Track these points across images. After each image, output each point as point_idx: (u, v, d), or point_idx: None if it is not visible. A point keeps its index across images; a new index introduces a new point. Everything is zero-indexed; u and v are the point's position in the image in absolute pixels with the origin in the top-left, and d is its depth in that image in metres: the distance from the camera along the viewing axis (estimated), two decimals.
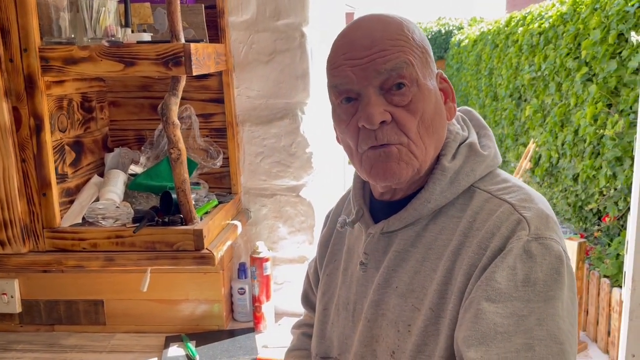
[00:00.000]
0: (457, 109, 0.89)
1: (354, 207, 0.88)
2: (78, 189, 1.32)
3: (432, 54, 0.80)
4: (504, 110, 6.38)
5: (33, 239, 1.21)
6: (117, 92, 1.48)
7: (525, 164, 5.46)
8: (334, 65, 0.77)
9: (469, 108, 0.90)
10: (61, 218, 1.23)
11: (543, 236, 0.71)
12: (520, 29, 5.70)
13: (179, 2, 1.12)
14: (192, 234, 1.18)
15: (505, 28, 6.37)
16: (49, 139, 1.18)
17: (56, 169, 1.22)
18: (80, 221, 1.24)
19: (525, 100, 5.69)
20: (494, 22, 7.44)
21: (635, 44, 3.15)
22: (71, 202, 1.29)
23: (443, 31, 12.35)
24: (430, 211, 0.79)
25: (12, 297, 1.50)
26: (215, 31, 1.40)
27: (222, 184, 1.49)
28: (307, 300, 1.09)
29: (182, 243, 1.19)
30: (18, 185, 1.17)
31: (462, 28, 11.77)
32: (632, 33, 3.15)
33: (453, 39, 11.24)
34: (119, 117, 1.49)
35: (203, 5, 1.32)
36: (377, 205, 0.86)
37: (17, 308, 1.51)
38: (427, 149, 0.77)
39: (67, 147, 1.28)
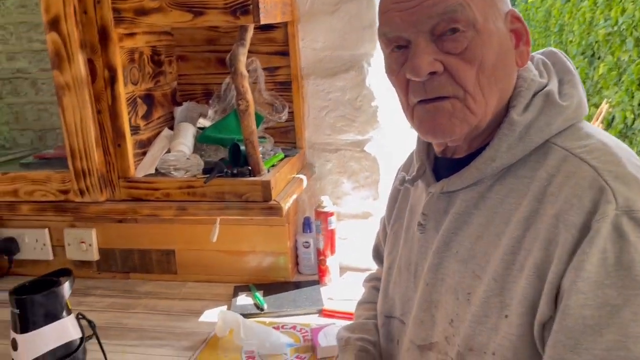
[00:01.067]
0: (540, 51, 0.82)
1: (416, 163, 0.84)
2: (150, 141, 1.36)
3: None
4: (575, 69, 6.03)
5: (110, 188, 1.25)
6: (185, 46, 1.49)
7: (597, 125, 5.18)
8: (382, 10, 0.71)
9: (554, 50, 0.80)
10: (135, 169, 1.27)
11: (635, 209, 0.61)
12: None
13: None
14: (260, 185, 1.19)
15: None
16: (123, 91, 1.21)
17: (129, 120, 1.25)
18: (153, 172, 1.28)
19: (598, 58, 5.35)
20: None
21: None
22: (144, 153, 1.33)
23: None
24: (496, 170, 0.71)
25: (90, 245, 1.58)
26: None
27: (287, 138, 1.49)
28: (378, 254, 1.08)
29: (250, 194, 1.20)
30: (95, 136, 1.21)
31: None
32: None
33: None
34: (187, 71, 1.50)
35: None
36: (440, 163, 0.81)
37: (95, 256, 1.59)
38: (488, 102, 0.69)
39: (139, 100, 1.30)
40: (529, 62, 0.76)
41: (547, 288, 0.63)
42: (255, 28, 1.36)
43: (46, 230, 1.61)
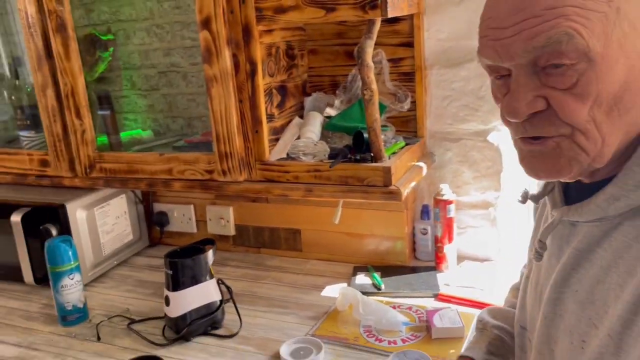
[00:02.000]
0: None
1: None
2: (282, 128, 1.49)
3: None
4: None
5: (247, 170, 1.40)
6: (316, 41, 1.60)
7: None
8: (480, 32, 0.63)
9: None
10: (269, 153, 1.41)
11: None
12: None
13: None
14: (381, 170, 1.26)
15: None
16: (261, 83, 1.34)
17: (265, 109, 1.38)
18: (284, 156, 1.41)
19: None
20: None
21: None
22: (277, 139, 1.46)
23: None
24: (620, 211, 0.61)
25: (227, 221, 1.77)
26: None
27: (408, 127, 1.54)
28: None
29: (371, 179, 1.28)
30: (236, 123, 1.36)
31: None
32: None
33: None
34: (317, 63, 1.61)
35: None
36: (576, 183, 0.68)
37: (232, 231, 1.77)
38: (606, 140, 0.59)
39: (274, 91, 1.43)
40: None
41: None
42: (383, 20, 1.43)
43: (192, 206, 1.82)
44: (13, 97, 1.73)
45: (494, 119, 1.46)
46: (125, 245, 1.77)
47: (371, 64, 1.24)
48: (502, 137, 1.47)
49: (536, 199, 0.76)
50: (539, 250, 0.72)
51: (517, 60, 0.58)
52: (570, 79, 0.57)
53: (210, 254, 1.31)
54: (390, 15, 1.19)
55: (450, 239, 1.51)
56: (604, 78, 0.57)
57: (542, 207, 0.82)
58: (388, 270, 1.55)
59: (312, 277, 1.58)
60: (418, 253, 1.61)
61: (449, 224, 1.50)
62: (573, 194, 0.69)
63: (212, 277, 1.32)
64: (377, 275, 1.50)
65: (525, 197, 0.78)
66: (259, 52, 1.32)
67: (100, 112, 1.65)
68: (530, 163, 0.63)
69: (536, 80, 0.58)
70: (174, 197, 1.85)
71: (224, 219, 1.77)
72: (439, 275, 1.50)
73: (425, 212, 1.58)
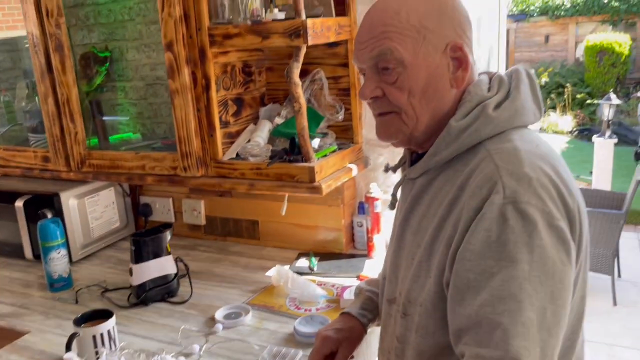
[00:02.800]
0: (509, 69, 0.98)
1: (402, 156, 1.09)
2: (238, 133, 1.77)
3: (443, 28, 0.88)
4: None
5: (204, 167, 1.68)
6: (273, 60, 1.88)
7: None
8: (354, 47, 0.96)
9: (520, 68, 0.94)
10: (223, 153, 1.69)
11: (518, 200, 0.77)
12: None
13: None
14: (307, 169, 1.53)
15: None
16: (215, 95, 1.63)
17: (220, 117, 1.66)
18: (235, 156, 1.69)
19: None
20: None
21: None
22: (232, 142, 1.74)
23: None
24: (438, 163, 0.91)
25: (199, 213, 2.05)
26: (343, 6, 1.69)
27: (347, 135, 1.80)
28: None
29: (300, 176, 1.54)
30: (194, 128, 1.65)
31: None
32: None
33: None
34: (273, 79, 1.89)
35: None
36: (415, 157, 1.01)
37: (202, 221, 2.06)
38: (419, 118, 0.91)
39: (229, 102, 1.72)
40: (484, 77, 0.96)
41: (450, 256, 0.84)
42: (324, 45, 1.71)
43: (170, 199, 2.12)
44: (24, 104, 2.07)
45: None
46: (113, 230, 2.08)
47: (298, 81, 1.51)
48: None
49: (394, 169, 1.08)
50: (392, 201, 1.07)
51: (367, 64, 0.92)
52: (393, 77, 0.90)
53: (167, 235, 1.59)
54: (311, 43, 1.46)
55: (378, 230, 1.76)
56: (414, 77, 0.89)
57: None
58: (327, 256, 1.81)
59: (263, 260, 1.85)
60: (356, 243, 1.87)
61: (376, 218, 1.75)
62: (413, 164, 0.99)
63: (168, 253, 1.60)
64: (314, 259, 1.76)
65: (387, 169, 1.11)
66: (212, 70, 1.60)
67: (93, 118, 1.96)
68: (379, 130, 0.97)
69: (377, 77, 0.91)
70: (156, 191, 2.15)
71: (196, 211, 2.05)
72: (367, 261, 1.75)
73: (361, 207, 1.84)
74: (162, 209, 2.14)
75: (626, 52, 10.50)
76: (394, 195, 1.07)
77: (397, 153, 1.75)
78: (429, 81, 0.90)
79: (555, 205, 0.80)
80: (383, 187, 1.80)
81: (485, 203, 0.80)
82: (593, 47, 10.59)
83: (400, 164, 1.09)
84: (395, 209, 1.12)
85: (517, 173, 0.81)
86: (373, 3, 0.96)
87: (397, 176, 1.75)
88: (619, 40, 10.49)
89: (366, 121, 1.78)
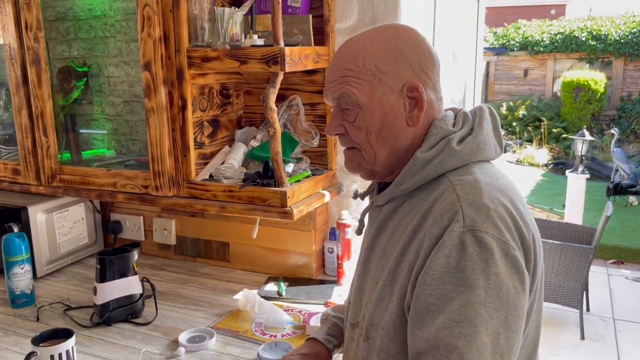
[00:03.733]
0: (475, 106, 1.06)
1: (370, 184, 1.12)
2: (213, 155, 1.77)
3: (400, 69, 0.93)
4: None
5: (176, 187, 1.68)
6: (251, 84, 1.90)
7: None
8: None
9: (484, 106, 1.01)
10: (196, 174, 1.69)
11: (477, 229, 0.82)
12: None
13: (280, 14, 1.46)
14: (279, 194, 1.53)
15: None
16: (190, 116, 1.63)
17: (195, 138, 1.67)
18: (208, 178, 1.68)
19: None
20: None
21: None
22: (206, 163, 1.74)
23: None
24: (403, 192, 0.96)
25: (170, 232, 2.04)
26: (321, 36, 1.72)
27: (322, 161, 1.82)
28: None
29: (271, 200, 1.55)
30: (168, 148, 1.64)
31: None
32: None
33: None
34: (251, 103, 1.91)
35: (311, 16, 1.65)
36: (382, 186, 1.06)
37: (173, 241, 2.04)
38: (377, 154, 0.96)
39: (205, 123, 1.72)
40: (450, 113, 1.00)
41: (411, 280, 0.88)
42: (301, 72, 1.73)
43: (141, 217, 2.10)
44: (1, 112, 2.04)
45: None
46: (81, 247, 2.05)
47: (274, 107, 1.52)
48: None
49: (362, 196, 1.13)
50: (359, 226, 1.10)
51: (331, 103, 1.00)
52: (352, 116, 0.96)
53: (134, 254, 1.57)
54: (288, 70, 1.48)
55: (348, 257, 1.77)
56: (370, 118, 0.95)
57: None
58: (297, 281, 1.80)
59: (232, 283, 1.84)
60: (326, 269, 1.87)
61: (347, 244, 1.76)
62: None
63: (135, 273, 1.58)
64: (283, 284, 1.76)
65: (356, 195, 1.16)
66: (189, 91, 1.61)
67: (67, 132, 1.94)
68: (346, 163, 1.04)
69: (341, 115, 0.98)
70: (127, 208, 2.13)
71: (167, 230, 2.04)
72: (336, 288, 1.75)
73: (332, 233, 1.84)
74: (132, 227, 2.12)
75: (601, 89, 10.81)
76: (361, 220, 1.10)
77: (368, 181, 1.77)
78: (384, 121, 0.95)
79: (512, 235, 0.84)
80: (354, 214, 1.81)
81: (446, 231, 0.84)
82: (570, 83, 10.88)
83: (369, 191, 1.12)
84: (362, 234, 1.15)
85: (476, 203, 0.85)
86: (345, 40, 1.00)
87: (367, 203, 1.77)
88: (595, 77, 10.81)
89: (341, 148, 1.80)
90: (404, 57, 0.94)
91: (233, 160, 1.71)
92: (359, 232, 1.12)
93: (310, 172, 1.70)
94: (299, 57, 1.54)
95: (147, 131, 1.65)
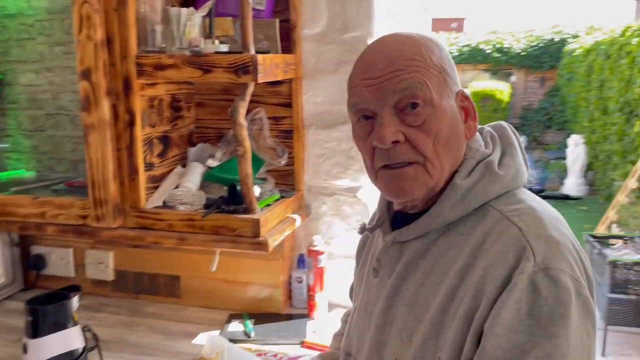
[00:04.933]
0: (492, 124, 0.91)
1: (377, 215, 0.94)
2: (163, 177, 1.53)
3: (454, 73, 0.82)
4: (612, 125, 5.99)
5: (122, 217, 1.42)
6: (203, 95, 1.68)
7: (631, 183, 5.10)
8: (352, 84, 0.81)
9: (503, 123, 0.90)
10: (146, 200, 1.44)
11: (550, 267, 0.70)
12: (636, 40, 5.33)
13: (250, 17, 1.27)
14: (250, 222, 1.33)
15: (620, 38, 5.98)
16: (140, 133, 1.39)
17: (144, 158, 1.42)
18: (161, 204, 1.45)
19: (636, 116, 5.31)
20: (610, 32, 6.99)
21: None
22: (156, 187, 1.50)
23: (557, 39, 11.74)
24: (440, 225, 0.81)
25: (107, 266, 1.75)
26: (288, 43, 1.55)
27: (287, 181, 1.64)
28: (352, 294, 1.16)
29: (242, 229, 1.34)
30: (113, 170, 1.39)
31: (578, 36, 11.12)
32: None
33: (566, 47, 10.67)
34: (204, 116, 1.69)
35: (277, 20, 1.48)
36: (398, 216, 0.90)
37: (111, 276, 1.76)
38: (444, 167, 0.79)
39: (155, 140, 1.48)
40: (477, 134, 0.87)
41: (472, 331, 0.73)
42: (264, 82, 1.54)
43: (71, 250, 1.79)
44: None
45: (363, 176, 1.58)
46: None
47: (244, 122, 1.32)
48: (368, 194, 1.60)
49: (371, 230, 0.94)
50: (376, 267, 0.89)
51: (385, 101, 0.77)
52: (421, 117, 0.77)
53: (74, 301, 1.30)
54: (260, 80, 1.29)
55: (321, 287, 1.59)
56: (441, 121, 0.78)
57: (362, 245, 1.04)
58: (263, 317, 1.60)
59: (187, 324, 1.60)
60: (294, 301, 1.68)
61: (320, 273, 1.59)
62: (397, 224, 0.88)
63: (75, 324, 1.31)
64: (249, 323, 1.55)
65: (363, 229, 0.95)
66: (138, 104, 1.37)
67: None
68: (392, 187, 0.80)
69: (397, 119, 0.77)
70: (52, 239, 1.81)
71: (103, 263, 1.75)
72: (309, 323, 1.57)
73: (301, 261, 1.66)
74: (59, 261, 1.81)
75: (506, 99, 11.44)
76: (379, 260, 0.91)
77: (343, 202, 1.61)
78: (452, 127, 0.80)
79: (580, 272, 0.74)
80: (326, 238, 1.64)
81: (514, 271, 0.71)
82: (478, 92, 11.42)
83: (378, 224, 0.94)
84: (365, 274, 0.98)
85: (545, 237, 0.73)
86: (377, 39, 0.83)
87: (340, 230, 1.61)
88: (500, 88, 11.42)
89: (309, 166, 1.63)
90: (453, 63, 0.83)
91: (190, 183, 1.48)
92: (376, 274, 0.91)
93: (279, 195, 1.52)
94: (270, 66, 1.35)
95: (86, 151, 1.39)
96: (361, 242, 1.08)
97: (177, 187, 1.49)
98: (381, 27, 1.55)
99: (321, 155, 1.61)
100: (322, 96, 1.58)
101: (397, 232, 0.86)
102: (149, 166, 1.45)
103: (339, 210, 1.63)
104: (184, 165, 1.59)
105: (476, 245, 0.76)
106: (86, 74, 1.34)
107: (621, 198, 5.16)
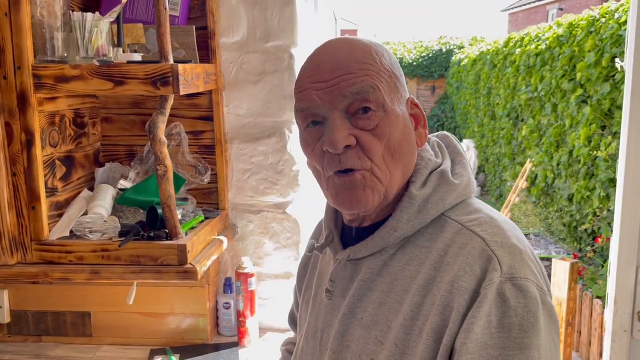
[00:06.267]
0: (435, 134, 0.88)
1: (325, 232, 0.87)
2: (68, 202, 1.36)
3: (403, 79, 0.79)
4: (501, 130, 6.43)
5: (21, 251, 1.23)
6: (110, 109, 1.52)
7: (521, 183, 5.50)
8: (300, 88, 0.76)
9: (447, 133, 0.88)
10: (49, 231, 1.26)
11: (516, 276, 0.68)
12: (518, 49, 5.77)
13: (168, 24, 1.16)
14: (175, 248, 1.21)
15: (504, 49, 6.45)
16: (40, 154, 1.21)
17: (46, 183, 1.25)
18: (67, 234, 1.27)
19: (522, 120, 5.74)
20: (493, 43, 7.52)
21: (619, 69, 3.20)
22: (60, 215, 1.32)
23: (444, 50, 12.48)
24: (397, 239, 0.76)
25: (0, 307, 1.52)
26: (206, 52, 1.44)
27: (210, 200, 1.52)
28: (292, 319, 1.09)
29: (166, 257, 1.21)
30: (8, 198, 1.20)
31: (463, 47, 11.89)
32: (617, 59, 3.21)
33: (454, 57, 11.36)
34: (111, 132, 1.52)
35: (194, 27, 1.37)
36: (347, 231, 0.84)
37: (6, 318, 1.53)
38: (392, 174, 0.75)
39: (57, 162, 1.31)
40: (426, 143, 0.83)
41: (442, 349, 0.69)
42: (180, 95, 1.42)
43: None
44: None
45: (292, 192, 1.51)
46: None
47: (164, 139, 1.20)
48: (299, 210, 1.53)
49: (320, 249, 0.86)
50: (329, 289, 0.82)
51: (335, 105, 0.73)
52: (373, 121, 0.73)
53: None
54: (182, 92, 1.18)
55: (252, 312, 1.50)
56: (392, 126, 0.74)
57: (304, 266, 0.97)
58: (188, 350, 1.47)
59: None
60: (221, 328, 1.56)
61: (250, 297, 1.49)
62: (348, 242, 0.82)
63: None
64: (174, 357, 1.41)
65: (311, 248, 0.88)
66: (37, 122, 1.20)
67: None
68: (343, 195, 0.75)
69: (348, 123, 0.73)
70: None
71: None
72: (240, 351, 1.46)
73: (227, 285, 1.55)
74: None
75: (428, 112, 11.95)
76: (333, 280, 0.83)
77: (271, 219, 1.53)
78: (404, 134, 0.76)
79: (542, 279, 0.72)
80: (254, 258, 1.55)
81: (482, 283, 0.68)
82: None
83: (328, 241, 0.86)
84: (311, 297, 0.90)
85: (507, 245, 0.71)
86: (325, 42, 0.76)
87: (269, 249, 1.50)
88: None
89: (233, 183, 1.53)
90: (401, 69, 0.79)
91: (100, 209, 1.32)
92: (329, 296, 0.83)
93: (203, 216, 1.40)
94: (191, 77, 1.24)
95: None
96: (302, 262, 1.00)
97: (85, 213, 1.32)
98: (303, 36, 1.49)
99: (246, 171, 1.52)
100: (245, 108, 1.49)
101: (352, 249, 0.79)
102: (51, 191, 1.28)
103: (267, 228, 1.54)
104: (91, 189, 1.42)
105: (437, 258, 0.73)
106: None
107: (513, 197, 5.54)
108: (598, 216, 3.84)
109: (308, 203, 1.55)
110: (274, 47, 1.46)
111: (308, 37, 1.55)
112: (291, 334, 1.18)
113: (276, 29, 1.45)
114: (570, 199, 4.41)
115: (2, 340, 1.55)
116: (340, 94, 0.72)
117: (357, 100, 0.72)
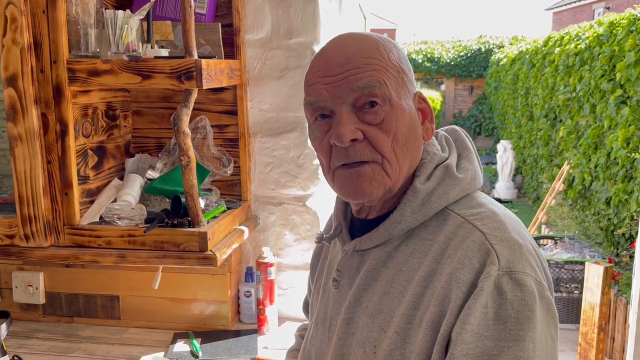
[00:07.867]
0: (445, 128, 0.91)
1: (334, 223, 0.90)
2: (99, 190, 1.43)
3: (411, 74, 0.81)
4: (539, 131, 6.30)
5: (54, 235, 1.31)
6: (141, 102, 1.59)
7: (558, 185, 5.37)
8: (309, 82, 0.79)
9: (456, 128, 0.90)
10: (81, 216, 1.34)
11: (514, 270, 0.70)
12: (557, 49, 5.64)
13: (193, 21, 1.21)
14: (197, 236, 1.27)
15: (543, 48, 6.31)
16: (73, 144, 1.29)
17: (78, 171, 1.33)
18: (97, 220, 1.35)
19: (560, 121, 5.61)
20: (533, 42, 7.37)
21: None
22: (92, 202, 1.40)
23: (483, 49, 12.28)
24: (401, 232, 0.79)
25: (37, 288, 1.62)
26: (231, 48, 1.49)
27: (233, 191, 1.58)
28: (306, 307, 1.13)
29: (187, 244, 1.27)
30: (43, 185, 1.28)
31: (503, 47, 11.68)
32: None
33: (492, 57, 11.17)
34: (142, 125, 1.60)
35: (220, 24, 1.42)
36: (355, 223, 0.87)
37: (41, 299, 1.63)
38: (401, 168, 0.77)
39: (90, 152, 1.39)
40: (433, 138, 0.85)
41: (439, 339, 0.71)
42: (206, 89, 1.48)
43: None
44: None
45: (312, 185, 1.55)
46: None
47: (187, 131, 1.26)
48: (318, 203, 1.57)
49: (329, 239, 0.89)
50: (336, 278, 0.86)
51: (343, 99, 0.75)
52: (379, 116, 0.75)
53: (2, 329, 1.18)
54: (205, 87, 1.23)
55: (271, 301, 1.54)
56: (399, 120, 0.76)
57: (316, 257, 1.01)
58: (210, 335, 1.53)
59: (128, 347, 1.50)
60: (242, 316, 1.62)
61: (270, 286, 1.53)
62: (356, 233, 0.85)
63: (4, 353, 1.19)
64: (196, 342, 1.47)
65: (320, 239, 0.91)
66: (71, 113, 1.27)
67: None
68: (349, 186, 0.77)
69: (355, 117, 0.76)
70: None
71: (32, 286, 1.62)
72: (259, 338, 1.51)
73: (249, 274, 1.60)
74: None
75: (438, 107, 11.82)
76: (340, 270, 0.87)
77: (292, 211, 1.57)
78: (411, 127, 0.78)
79: (541, 274, 0.73)
80: (275, 249, 1.59)
81: (480, 276, 0.70)
82: None
83: (336, 232, 0.89)
84: (322, 286, 0.94)
85: (507, 240, 0.72)
86: (335, 37, 0.79)
87: (289, 240, 1.55)
88: (432, 96, 11.78)
89: (255, 175, 1.58)
90: (409, 64, 0.81)
91: (128, 197, 1.39)
92: (337, 285, 0.87)
93: (225, 206, 1.45)
94: (214, 72, 1.29)
95: (13, 164, 1.27)
96: (315, 253, 1.04)
97: (114, 200, 1.40)
98: (326, 33, 1.53)
99: (268, 164, 1.56)
100: (268, 103, 1.54)
101: (358, 241, 0.83)
102: (83, 179, 1.35)
103: (287, 220, 1.59)
104: (121, 178, 1.50)
105: (439, 250, 0.75)
106: (12, 81, 1.23)
107: (549, 200, 5.43)
108: (636, 220, 3.73)
109: (327, 196, 1.58)
110: (297, 43, 1.50)
111: (331, 34, 1.58)
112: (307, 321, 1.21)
113: (299, 26, 1.49)
114: (607, 202, 4.29)
115: (37, 320, 1.64)
116: (348, 88, 0.75)
117: (364, 95, 0.74)
